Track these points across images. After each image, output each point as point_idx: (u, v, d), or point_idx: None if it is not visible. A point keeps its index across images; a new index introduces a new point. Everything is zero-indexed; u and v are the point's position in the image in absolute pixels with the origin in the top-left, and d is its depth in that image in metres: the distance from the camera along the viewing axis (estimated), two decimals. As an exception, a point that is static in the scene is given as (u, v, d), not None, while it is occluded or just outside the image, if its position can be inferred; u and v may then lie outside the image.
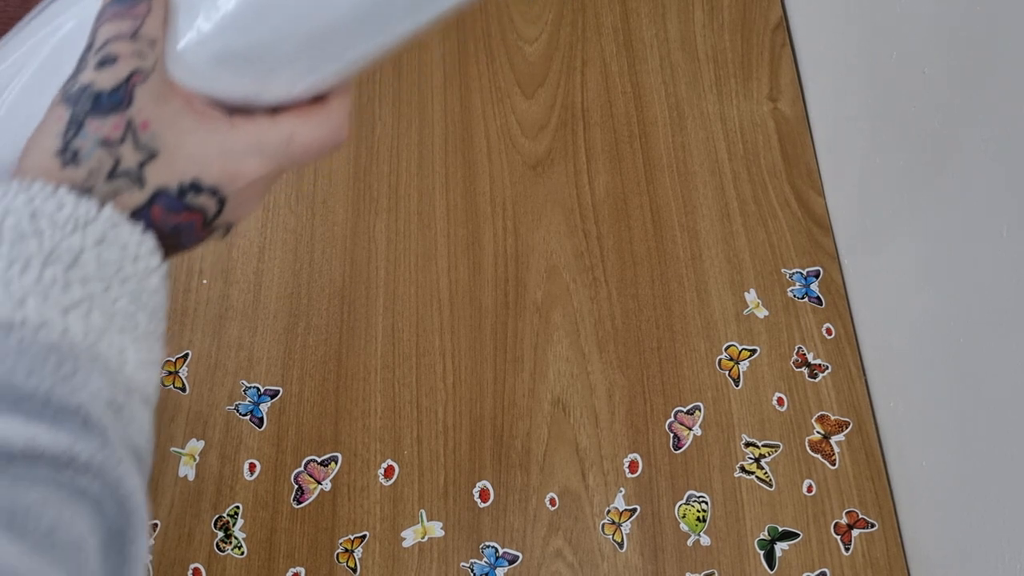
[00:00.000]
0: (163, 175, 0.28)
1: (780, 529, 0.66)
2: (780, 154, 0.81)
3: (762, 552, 0.66)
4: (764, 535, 0.66)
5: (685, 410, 0.70)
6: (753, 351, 0.72)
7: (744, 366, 0.72)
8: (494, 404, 0.70)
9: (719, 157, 0.80)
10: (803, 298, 0.74)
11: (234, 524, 0.66)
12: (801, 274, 0.75)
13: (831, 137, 0.80)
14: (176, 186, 0.28)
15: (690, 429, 0.69)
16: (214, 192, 0.29)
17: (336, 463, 0.68)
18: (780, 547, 0.66)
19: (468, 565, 0.65)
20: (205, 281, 0.74)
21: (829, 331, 0.73)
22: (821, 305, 0.74)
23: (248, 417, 0.69)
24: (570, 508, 0.67)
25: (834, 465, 0.69)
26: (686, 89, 0.84)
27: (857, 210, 0.75)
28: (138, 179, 0.28)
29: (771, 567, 0.65)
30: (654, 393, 0.71)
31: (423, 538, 0.66)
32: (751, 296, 0.74)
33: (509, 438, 0.69)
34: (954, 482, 0.61)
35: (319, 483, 0.67)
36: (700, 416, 0.70)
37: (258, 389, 0.70)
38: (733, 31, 0.87)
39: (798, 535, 0.66)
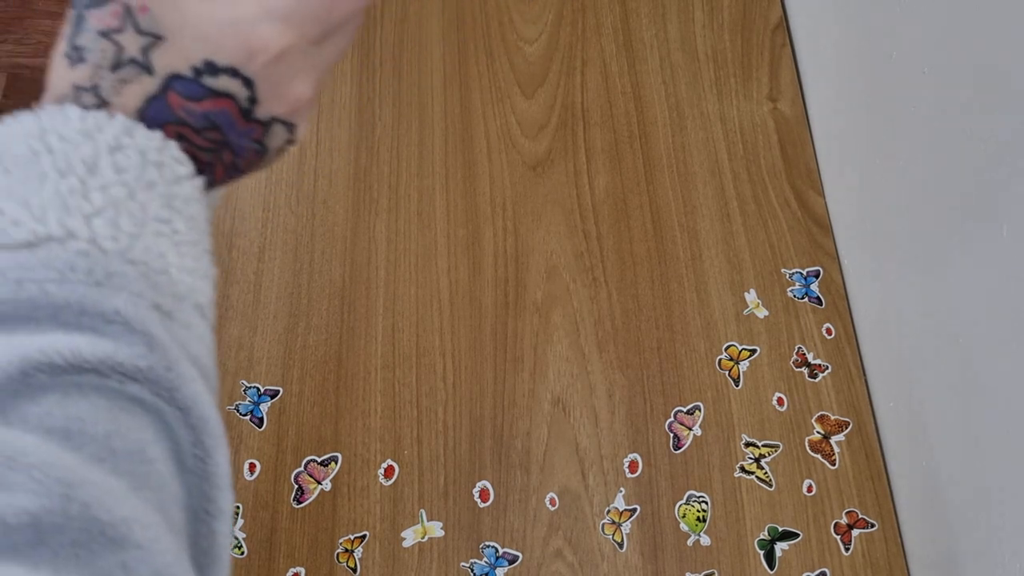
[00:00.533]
0: (172, 59, 0.27)
1: (780, 529, 0.66)
2: (780, 154, 0.81)
3: (762, 552, 0.66)
4: (764, 535, 0.66)
5: (685, 410, 0.70)
6: (753, 351, 0.72)
7: (744, 366, 0.72)
8: (494, 404, 0.70)
9: (719, 157, 0.80)
10: (803, 298, 0.74)
11: (234, 524, 0.66)
12: (801, 274, 0.75)
13: (831, 137, 0.80)
14: (189, 70, 0.27)
15: (690, 429, 0.69)
16: (234, 73, 0.27)
17: (336, 463, 0.68)
18: (780, 547, 0.66)
19: (468, 565, 0.65)
20: (205, 281, 0.74)
21: (829, 331, 0.73)
22: (821, 305, 0.74)
23: (248, 417, 0.69)
24: (570, 508, 0.67)
25: (834, 465, 0.69)
26: (686, 89, 0.84)
27: (857, 210, 0.75)
28: (145, 66, 0.27)
29: (771, 567, 0.65)
30: (654, 393, 0.71)
31: (423, 538, 0.66)
32: (751, 296, 0.74)
33: (509, 438, 0.69)
34: (954, 482, 0.61)
35: (319, 483, 0.67)
36: (700, 416, 0.70)
37: (258, 389, 0.70)
38: (733, 31, 0.87)
39: (798, 535, 0.66)
